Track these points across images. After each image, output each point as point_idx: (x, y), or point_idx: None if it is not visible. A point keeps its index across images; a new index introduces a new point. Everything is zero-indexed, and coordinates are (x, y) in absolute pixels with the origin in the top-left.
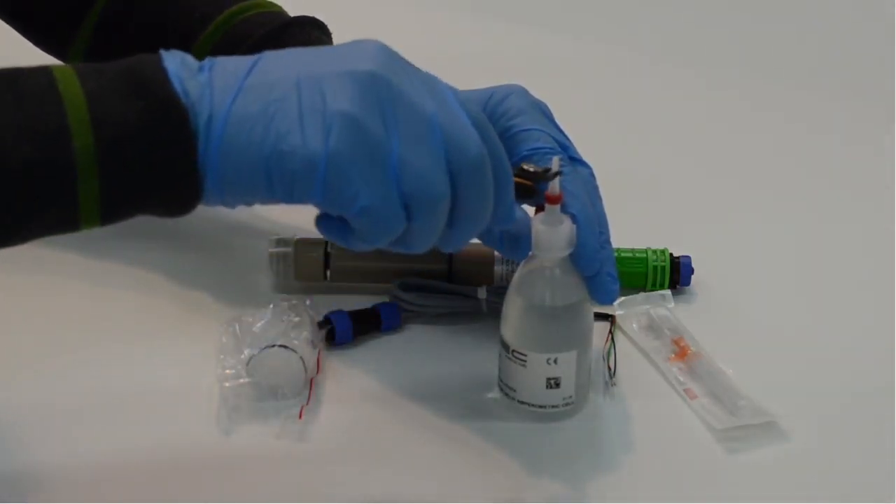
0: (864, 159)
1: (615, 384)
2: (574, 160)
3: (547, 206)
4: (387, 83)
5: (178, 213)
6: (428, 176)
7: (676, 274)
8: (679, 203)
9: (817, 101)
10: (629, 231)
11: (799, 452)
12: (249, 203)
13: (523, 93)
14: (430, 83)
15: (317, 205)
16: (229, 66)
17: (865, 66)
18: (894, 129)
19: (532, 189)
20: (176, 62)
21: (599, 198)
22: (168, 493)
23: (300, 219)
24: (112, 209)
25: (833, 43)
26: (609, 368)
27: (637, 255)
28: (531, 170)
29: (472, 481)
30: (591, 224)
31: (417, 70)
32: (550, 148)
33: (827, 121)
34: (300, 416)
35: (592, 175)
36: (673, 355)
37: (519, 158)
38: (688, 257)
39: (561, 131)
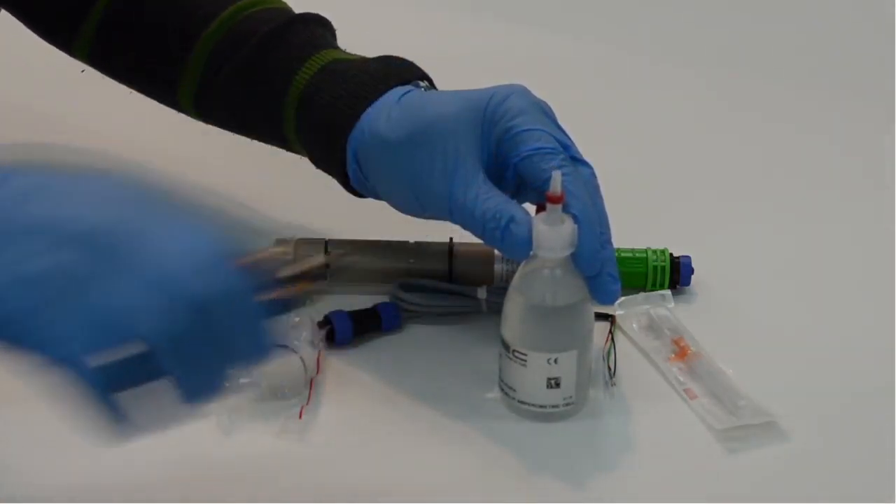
0: (864, 159)
1: (615, 384)
2: (575, 160)
3: (548, 205)
4: (96, 242)
5: None
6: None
7: (676, 274)
8: (679, 203)
9: (817, 102)
10: (629, 231)
11: (799, 452)
12: None
13: (524, 92)
14: (168, 228)
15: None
16: None
17: (865, 66)
18: (894, 129)
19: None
20: None
21: (601, 198)
22: (168, 493)
23: (300, 219)
24: None
25: (833, 43)
26: (609, 368)
27: (637, 255)
28: None
29: (472, 481)
30: (592, 224)
31: (163, 207)
32: (552, 148)
33: (827, 121)
34: (300, 416)
35: (594, 175)
36: (673, 355)
37: (520, 159)
38: (688, 257)
39: (562, 131)
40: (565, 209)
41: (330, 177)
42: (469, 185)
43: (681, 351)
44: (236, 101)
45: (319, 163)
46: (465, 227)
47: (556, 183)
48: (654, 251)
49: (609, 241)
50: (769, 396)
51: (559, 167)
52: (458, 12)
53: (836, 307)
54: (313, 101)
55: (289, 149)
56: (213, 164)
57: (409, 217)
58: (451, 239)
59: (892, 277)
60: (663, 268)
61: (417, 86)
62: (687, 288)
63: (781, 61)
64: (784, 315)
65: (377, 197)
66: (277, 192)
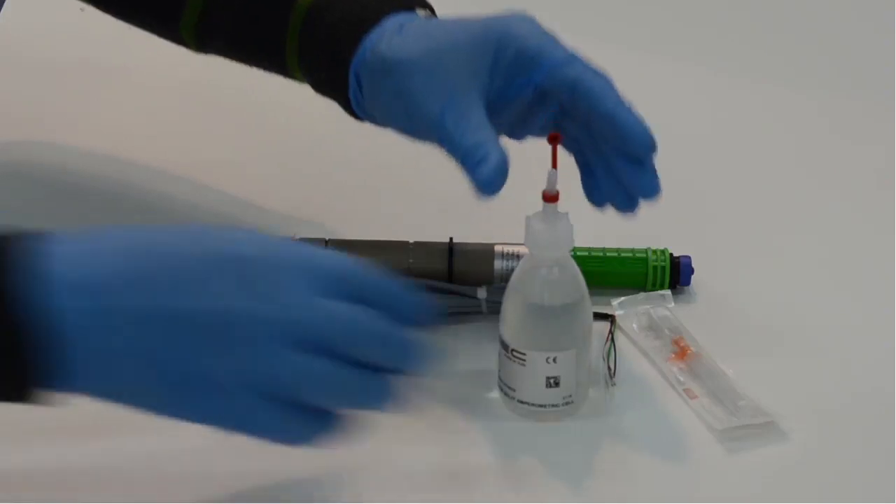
0: (864, 159)
1: (615, 384)
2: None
3: (544, 204)
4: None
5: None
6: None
7: (676, 274)
8: (679, 203)
9: (818, 102)
10: (629, 231)
11: (799, 452)
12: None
13: (532, 19)
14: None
15: None
16: (81, 274)
17: (865, 66)
18: (894, 129)
19: None
20: (32, 274)
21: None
22: (168, 494)
23: (300, 219)
24: None
25: (833, 43)
26: (609, 368)
27: (637, 255)
28: None
29: (473, 481)
30: (612, 91)
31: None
32: (570, 56)
33: (828, 121)
34: None
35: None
36: (673, 355)
37: (548, 70)
38: (688, 257)
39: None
40: (579, 83)
41: (328, 175)
42: (462, 116)
43: (681, 351)
44: (238, 27)
45: (320, 86)
46: (450, 155)
47: (553, 181)
48: (654, 251)
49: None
50: (769, 396)
51: (582, 71)
52: (459, 12)
53: (836, 307)
54: (316, 22)
55: (287, 75)
56: (213, 164)
57: (409, 217)
58: (450, 239)
59: (893, 277)
60: (663, 268)
61: (417, 13)
62: (687, 288)
63: (781, 61)
64: (784, 315)
65: (375, 121)
66: (278, 191)
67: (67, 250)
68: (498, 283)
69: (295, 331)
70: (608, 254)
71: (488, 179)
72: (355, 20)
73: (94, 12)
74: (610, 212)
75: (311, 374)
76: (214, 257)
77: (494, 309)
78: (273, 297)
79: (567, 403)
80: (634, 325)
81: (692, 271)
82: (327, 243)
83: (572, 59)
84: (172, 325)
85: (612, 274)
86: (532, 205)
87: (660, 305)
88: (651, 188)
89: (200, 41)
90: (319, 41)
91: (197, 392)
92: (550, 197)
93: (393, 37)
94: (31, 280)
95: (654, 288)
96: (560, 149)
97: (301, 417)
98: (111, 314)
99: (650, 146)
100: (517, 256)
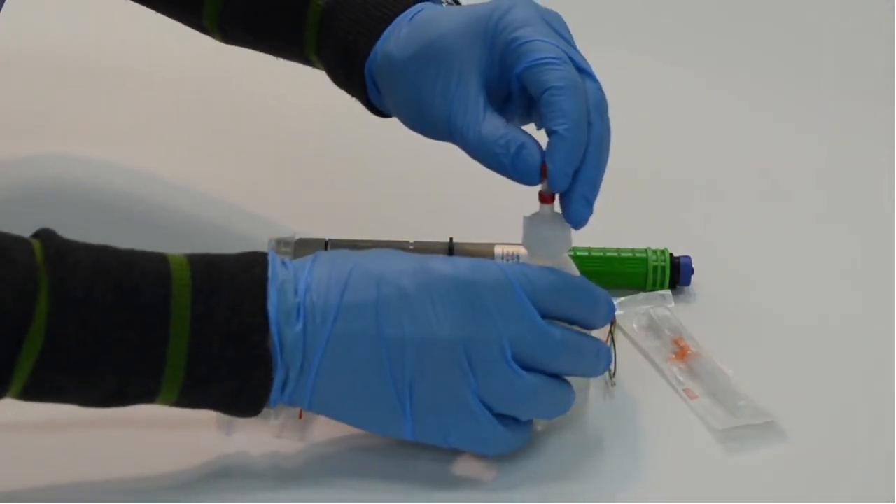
0: (864, 159)
1: (615, 384)
2: (582, 71)
3: (541, 205)
4: None
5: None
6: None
7: (676, 274)
8: (679, 203)
9: (817, 101)
10: (629, 231)
11: (799, 452)
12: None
13: (528, 3)
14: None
15: None
16: (319, 302)
17: (865, 66)
18: (894, 129)
19: None
20: (275, 303)
21: (603, 115)
22: (168, 493)
23: (300, 219)
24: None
25: (833, 43)
26: (609, 368)
27: (637, 255)
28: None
29: (472, 481)
30: (572, 147)
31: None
32: (555, 57)
33: (827, 121)
34: (300, 417)
35: (600, 89)
36: (673, 355)
37: (521, 71)
38: (688, 257)
39: (568, 42)
40: (549, 126)
41: (328, 175)
42: (468, 108)
43: (681, 351)
44: (258, 23)
45: (340, 85)
46: (463, 149)
47: (547, 182)
48: (654, 251)
49: (598, 164)
50: (769, 396)
51: (560, 79)
52: None
53: (836, 307)
54: (332, 24)
55: (313, 66)
56: (213, 164)
57: (409, 217)
58: (450, 239)
59: (893, 277)
60: (663, 268)
61: (438, 1)
62: (687, 288)
63: (782, 61)
64: (784, 315)
65: (396, 115)
66: (277, 191)
67: (299, 278)
68: None
69: (517, 349)
70: (608, 254)
71: (524, 172)
72: (369, 22)
73: (108, 7)
74: (610, 212)
75: (529, 390)
76: (438, 283)
77: None
78: (498, 317)
79: None
80: (634, 325)
81: (692, 271)
82: (327, 243)
83: (555, 62)
84: (416, 351)
85: (611, 274)
86: (532, 205)
87: (660, 305)
88: (568, 218)
89: (224, 33)
90: (336, 43)
91: (442, 415)
92: (546, 198)
93: (402, 30)
94: (282, 307)
95: (654, 288)
96: None
97: (513, 428)
98: (352, 339)
99: (559, 188)
100: (517, 257)
